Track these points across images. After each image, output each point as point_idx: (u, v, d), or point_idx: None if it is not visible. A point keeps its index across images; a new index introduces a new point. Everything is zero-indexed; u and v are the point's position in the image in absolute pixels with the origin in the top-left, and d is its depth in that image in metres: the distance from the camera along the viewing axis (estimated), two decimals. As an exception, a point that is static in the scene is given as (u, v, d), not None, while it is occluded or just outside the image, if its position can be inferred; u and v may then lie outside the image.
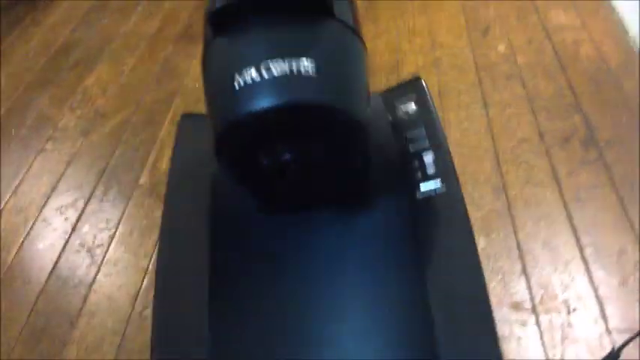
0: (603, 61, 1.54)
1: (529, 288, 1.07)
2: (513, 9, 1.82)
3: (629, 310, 1.02)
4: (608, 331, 1.00)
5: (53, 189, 1.51)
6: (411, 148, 0.71)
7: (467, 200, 0.67)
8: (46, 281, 1.29)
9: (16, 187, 1.54)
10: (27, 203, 1.49)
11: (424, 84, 0.80)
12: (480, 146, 1.36)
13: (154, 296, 0.68)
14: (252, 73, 0.56)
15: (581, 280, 1.07)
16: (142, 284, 1.24)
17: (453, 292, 0.60)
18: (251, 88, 0.55)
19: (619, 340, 0.99)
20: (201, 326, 0.62)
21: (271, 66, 0.55)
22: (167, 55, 1.94)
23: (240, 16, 0.59)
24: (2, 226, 1.43)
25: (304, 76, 0.55)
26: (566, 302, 1.05)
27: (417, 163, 0.70)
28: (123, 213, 1.41)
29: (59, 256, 1.34)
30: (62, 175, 1.55)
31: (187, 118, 0.85)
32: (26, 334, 1.19)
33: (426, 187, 0.67)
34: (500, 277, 1.10)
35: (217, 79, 0.60)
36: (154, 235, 1.33)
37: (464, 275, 0.60)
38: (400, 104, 0.77)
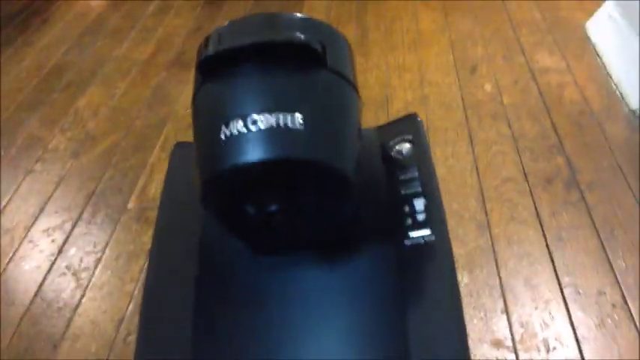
0: (586, 105, 1.58)
1: (510, 326, 1.09)
2: (501, 49, 1.87)
3: (606, 351, 1.04)
4: (586, 371, 1.03)
5: (41, 210, 1.52)
6: (403, 190, 0.70)
7: (451, 236, 0.68)
8: (31, 303, 1.29)
9: (4, 207, 1.54)
10: (14, 223, 1.49)
11: (420, 121, 0.79)
12: (466, 183, 1.39)
13: (139, 326, 0.67)
14: (239, 126, 0.55)
15: (561, 319, 1.09)
16: (127, 309, 1.24)
17: (434, 344, 0.59)
18: (237, 140, 0.55)
19: (596, 380, 1.01)
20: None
21: (258, 119, 0.55)
22: (159, 80, 1.96)
23: (230, 63, 0.59)
24: (-12, 246, 1.43)
25: (292, 130, 0.55)
26: (545, 341, 1.07)
27: (407, 208, 0.68)
28: (110, 237, 1.41)
29: (44, 278, 1.34)
30: (50, 196, 1.55)
31: (180, 146, 0.85)
32: (9, 357, 1.18)
33: (414, 234, 0.66)
34: (482, 314, 1.12)
35: (205, 127, 0.60)
36: (141, 261, 1.34)
37: (445, 328, 0.60)
38: (394, 142, 0.75)
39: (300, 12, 2.24)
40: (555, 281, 1.15)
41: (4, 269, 1.37)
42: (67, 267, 1.36)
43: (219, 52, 0.58)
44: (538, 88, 1.67)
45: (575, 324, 1.08)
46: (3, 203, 1.55)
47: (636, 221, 1.25)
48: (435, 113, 1.63)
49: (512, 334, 1.08)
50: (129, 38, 2.24)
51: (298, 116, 0.55)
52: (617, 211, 1.28)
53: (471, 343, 1.06)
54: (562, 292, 1.13)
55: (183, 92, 1.88)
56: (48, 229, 1.46)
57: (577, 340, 1.06)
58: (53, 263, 1.37)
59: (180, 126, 1.74)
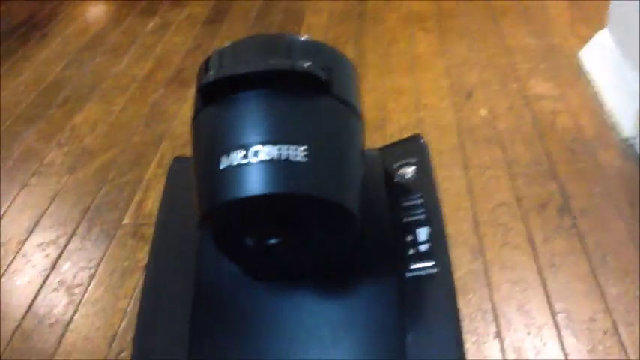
0: (579, 132, 1.61)
1: (502, 350, 1.10)
2: (496, 75, 1.89)
3: (597, 377, 1.05)
4: (577, 397, 1.03)
5: (36, 224, 1.52)
6: (406, 218, 0.67)
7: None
8: (23, 318, 1.28)
9: (-2, 221, 1.54)
10: (8, 237, 1.49)
11: (425, 144, 0.76)
12: (460, 207, 1.41)
13: (132, 348, 0.65)
14: (239, 157, 0.53)
15: (553, 345, 1.10)
16: (119, 326, 1.24)
17: None
18: (238, 172, 0.53)
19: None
20: None
21: (260, 150, 0.53)
22: (157, 97, 1.97)
23: (232, 89, 0.57)
24: (-19, 260, 1.43)
25: (294, 163, 0.53)
26: (537, 366, 1.08)
27: (410, 237, 0.66)
28: (105, 252, 1.41)
29: (37, 293, 1.34)
30: (45, 210, 1.56)
31: (179, 161, 0.83)
32: (-1, 372, 1.18)
33: (416, 265, 0.63)
34: (475, 338, 1.13)
35: (204, 154, 0.59)
36: (135, 277, 1.34)
37: None
38: (398, 166, 0.73)
39: (298, 32, 2.27)
40: (547, 307, 1.16)
41: (-2, 283, 1.37)
42: (61, 282, 1.36)
43: (220, 78, 0.57)
44: (532, 114, 1.69)
45: (567, 350, 1.09)
46: (-2, 216, 1.55)
47: (627, 248, 1.26)
48: (430, 137, 1.64)
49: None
50: (128, 55, 2.25)
51: (301, 149, 0.53)
52: (609, 238, 1.29)
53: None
54: (554, 318, 1.14)
55: (181, 109, 1.89)
56: (42, 244, 1.46)
57: (568, 366, 1.07)
58: (46, 278, 1.37)
59: (177, 143, 1.75)
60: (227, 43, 0.62)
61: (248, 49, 0.62)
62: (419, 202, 0.68)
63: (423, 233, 0.66)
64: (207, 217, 0.57)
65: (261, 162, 0.53)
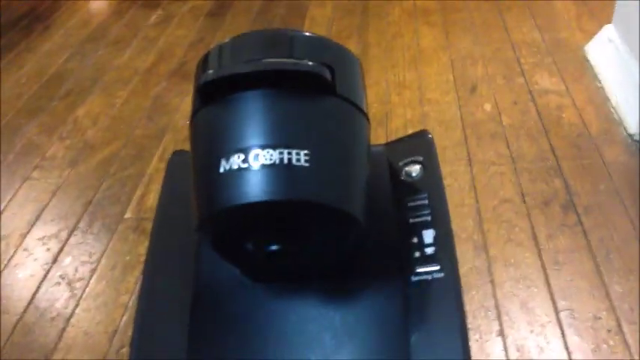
0: (585, 128, 1.59)
1: (505, 349, 1.09)
2: (500, 69, 1.88)
3: (601, 376, 1.04)
4: (581, 396, 1.03)
5: (37, 218, 1.51)
6: (411, 219, 0.65)
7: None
8: (24, 312, 1.28)
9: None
10: (9, 231, 1.48)
11: (432, 140, 0.72)
12: (464, 203, 1.39)
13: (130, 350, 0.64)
14: (239, 161, 0.51)
15: (557, 343, 1.09)
16: (120, 321, 1.24)
17: None
18: (238, 177, 0.51)
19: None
20: None
21: (261, 154, 0.51)
22: (159, 90, 1.96)
23: (232, 88, 0.55)
24: (-18, 253, 1.42)
25: (297, 168, 0.51)
26: (540, 365, 1.07)
27: (415, 239, 0.63)
28: (106, 247, 1.41)
29: (38, 287, 1.33)
30: (47, 204, 1.55)
31: (179, 154, 0.80)
32: (0, 366, 1.18)
33: (422, 269, 0.61)
34: (477, 336, 1.12)
35: (203, 157, 0.56)
36: (136, 272, 1.34)
37: None
38: (404, 163, 0.69)
39: (301, 25, 2.26)
40: (551, 305, 1.15)
41: (-1, 277, 1.37)
42: (62, 276, 1.35)
43: (219, 77, 0.55)
44: (537, 109, 1.68)
45: (571, 349, 1.08)
46: (-1, 210, 1.55)
47: (632, 246, 1.25)
48: (433, 132, 1.62)
49: (507, 358, 1.08)
50: (130, 47, 2.24)
51: (304, 152, 0.51)
52: (614, 235, 1.28)
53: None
54: (558, 316, 1.13)
55: (184, 103, 1.88)
56: (43, 238, 1.45)
57: (572, 365, 1.06)
58: (48, 272, 1.36)
59: (179, 137, 1.74)
60: (227, 39, 0.60)
61: (249, 45, 0.59)
62: (425, 202, 0.66)
63: (428, 235, 0.63)
64: (206, 223, 0.55)
65: (262, 167, 0.51)
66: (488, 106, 1.72)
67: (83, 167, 1.66)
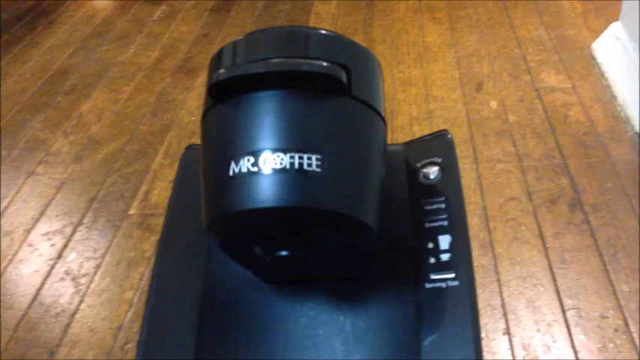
0: (591, 126, 1.58)
1: (511, 348, 1.09)
2: (507, 66, 1.87)
3: (608, 375, 1.04)
4: (587, 396, 1.02)
5: (41, 213, 1.51)
6: (427, 223, 0.63)
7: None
8: (29, 307, 1.28)
9: (4, 209, 1.53)
10: (14, 226, 1.48)
11: (452, 141, 0.70)
12: (470, 201, 1.39)
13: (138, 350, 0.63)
14: (249, 164, 0.50)
15: (563, 343, 1.08)
16: (125, 317, 1.23)
17: None
18: (247, 181, 0.50)
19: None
20: None
21: (271, 158, 0.50)
22: (164, 86, 1.96)
23: (244, 88, 0.53)
24: (-13, 249, 1.42)
25: (309, 174, 0.50)
26: (547, 364, 1.06)
27: (431, 244, 0.61)
28: (111, 243, 1.40)
29: (43, 283, 1.33)
30: (51, 200, 1.55)
31: (192, 149, 0.78)
32: (4, 362, 1.17)
33: (436, 276, 0.59)
34: (483, 334, 1.11)
35: (213, 158, 0.55)
36: (141, 268, 1.33)
37: None
38: (422, 164, 0.67)
39: (307, 21, 2.25)
40: (558, 303, 1.15)
41: (3, 272, 1.36)
42: (67, 272, 1.35)
43: (232, 77, 0.53)
44: (543, 107, 1.67)
45: (577, 348, 1.07)
46: (3, 205, 1.54)
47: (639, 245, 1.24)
48: (439, 129, 1.62)
49: (513, 357, 1.07)
50: (135, 43, 2.23)
51: (316, 157, 0.50)
52: (621, 234, 1.27)
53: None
54: (564, 315, 1.13)
55: (188, 99, 1.88)
56: (48, 233, 1.45)
57: (578, 364, 1.06)
58: (52, 268, 1.36)
59: (184, 133, 1.73)
60: (240, 36, 0.59)
61: (263, 43, 0.57)
62: (442, 206, 0.64)
63: (444, 241, 0.61)
64: (214, 225, 0.54)
65: (272, 171, 0.49)
66: (494, 104, 1.71)
67: (87, 163, 1.66)
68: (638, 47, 1.63)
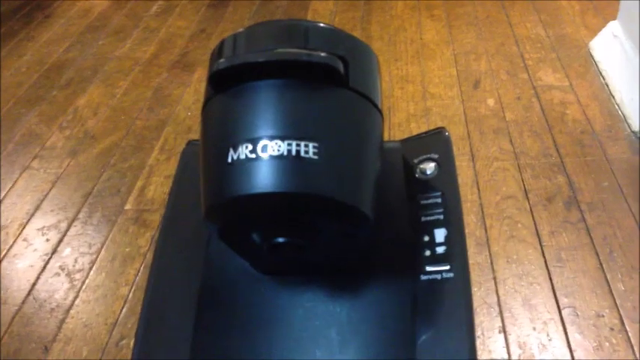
0: (588, 124, 1.58)
1: (507, 346, 1.09)
2: (504, 64, 1.87)
3: (603, 374, 1.04)
4: (582, 394, 1.02)
5: (36, 208, 1.50)
6: (423, 217, 0.63)
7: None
8: (23, 303, 1.27)
9: (-1, 204, 1.52)
10: (8, 221, 1.48)
11: (449, 138, 0.71)
12: (466, 199, 1.39)
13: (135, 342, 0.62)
14: (247, 151, 0.51)
15: (559, 341, 1.08)
16: (120, 313, 1.23)
17: None
18: (245, 167, 0.51)
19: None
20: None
21: (269, 145, 0.51)
22: (160, 81, 1.95)
23: (244, 77, 0.54)
24: (-19, 243, 1.41)
25: (305, 160, 0.51)
26: (542, 362, 1.06)
27: (426, 237, 0.62)
28: (106, 238, 1.40)
29: (38, 278, 1.32)
30: (47, 194, 1.54)
31: (192, 145, 0.78)
32: (-2, 357, 1.17)
33: (432, 268, 0.60)
34: (479, 332, 1.11)
35: (212, 145, 0.56)
36: (136, 263, 1.33)
37: None
38: (419, 160, 0.68)
39: (304, 17, 2.24)
40: (554, 302, 1.15)
41: (-3, 267, 1.36)
42: (61, 267, 1.34)
43: (232, 66, 0.54)
44: (540, 105, 1.67)
45: (573, 346, 1.07)
46: (-2, 200, 1.54)
47: (636, 244, 1.24)
48: (437, 126, 1.62)
49: (509, 355, 1.07)
50: (131, 38, 2.23)
51: (313, 145, 0.51)
52: (617, 233, 1.27)
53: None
54: (560, 314, 1.13)
55: (185, 94, 1.87)
56: (43, 228, 1.45)
57: (574, 363, 1.06)
58: (47, 263, 1.36)
59: (180, 128, 1.73)
60: (241, 29, 0.60)
61: (263, 35, 0.58)
62: (438, 200, 0.64)
63: (440, 234, 0.62)
64: (212, 212, 0.55)
65: (270, 158, 0.50)
66: (491, 102, 1.71)
67: (83, 157, 1.65)
68: (635, 46, 1.63)
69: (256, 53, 0.55)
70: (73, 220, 1.46)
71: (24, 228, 1.45)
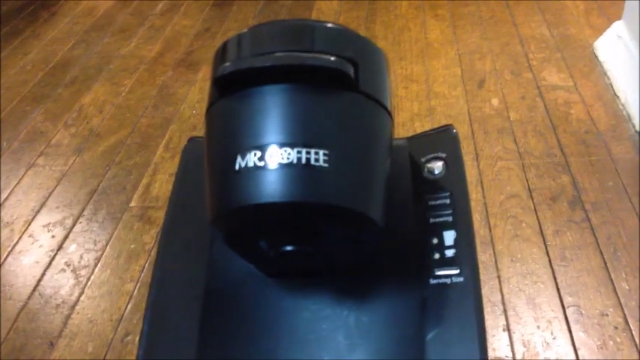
0: (593, 124, 1.58)
1: (511, 344, 1.09)
2: (508, 64, 1.87)
3: (607, 373, 1.04)
4: (586, 393, 1.02)
5: (42, 205, 1.51)
6: (432, 219, 0.62)
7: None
8: (29, 298, 1.28)
9: (4, 201, 1.53)
10: (14, 217, 1.48)
11: (457, 136, 0.69)
12: (471, 198, 1.38)
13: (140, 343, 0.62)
14: (255, 158, 0.50)
15: (563, 340, 1.09)
16: (125, 309, 1.23)
17: None
18: (253, 175, 0.50)
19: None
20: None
21: (278, 153, 0.49)
22: (165, 80, 1.96)
23: (250, 81, 0.53)
24: (-13, 239, 1.42)
25: (315, 169, 0.49)
26: (546, 361, 1.07)
27: (435, 239, 0.60)
28: (111, 235, 1.40)
29: (43, 274, 1.33)
30: (52, 191, 1.55)
31: (194, 141, 0.77)
32: (4, 352, 1.17)
33: (441, 272, 0.59)
34: (483, 330, 1.12)
35: (218, 151, 0.54)
36: (141, 260, 1.33)
37: None
38: (427, 159, 0.66)
39: (309, 17, 2.24)
40: (558, 300, 1.15)
41: (3, 263, 1.36)
42: (67, 263, 1.35)
43: (238, 70, 0.52)
44: (545, 105, 1.67)
45: (577, 345, 1.08)
46: (4, 196, 1.54)
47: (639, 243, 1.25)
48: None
49: (513, 353, 1.07)
50: (136, 36, 2.23)
51: (323, 152, 0.49)
52: (621, 232, 1.28)
53: None
54: (564, 312, 1.13)
55: (190, 92, 1.87)
56: (48, 225, 1.45)
57: (578, 361, 1.06)
58: (52, 259, 1.36)
59: (185, 126, 1.73)
60: (245, 29, 0.58)
61: (269, 36, 0.56)
62: (447, 201, 0.63)
63: (449, 237, 0.60)
64: (219, 220, 0.54)
65: (279, 166, 0.49)
66: (495, 101, 1.71)
67: (88, 155, 1.66)
68: (640, 46, 1.64)
69: (263, 57, 0.52)
70: (78, 217, 1.46)
71: (29, 224, 1.46)
